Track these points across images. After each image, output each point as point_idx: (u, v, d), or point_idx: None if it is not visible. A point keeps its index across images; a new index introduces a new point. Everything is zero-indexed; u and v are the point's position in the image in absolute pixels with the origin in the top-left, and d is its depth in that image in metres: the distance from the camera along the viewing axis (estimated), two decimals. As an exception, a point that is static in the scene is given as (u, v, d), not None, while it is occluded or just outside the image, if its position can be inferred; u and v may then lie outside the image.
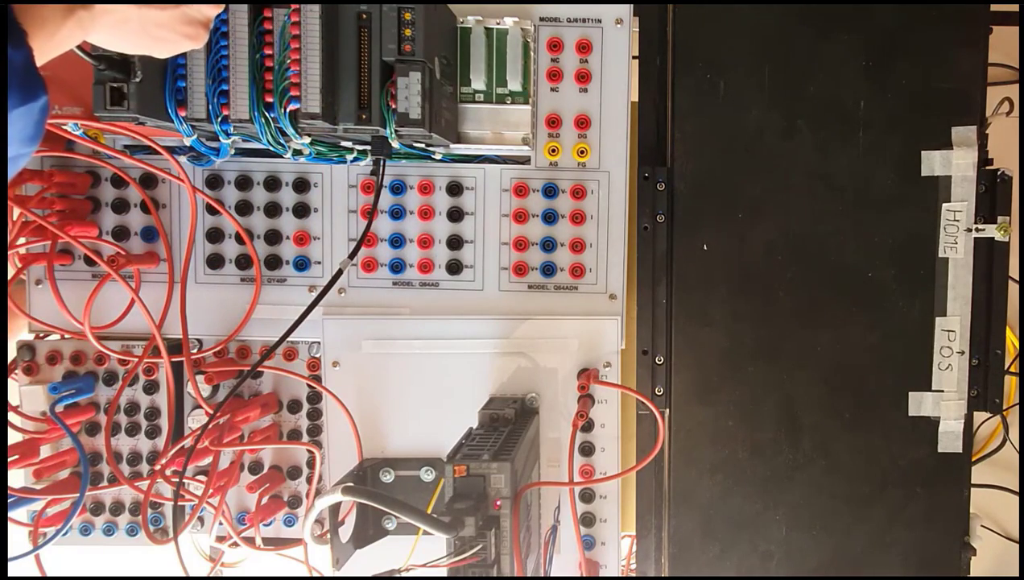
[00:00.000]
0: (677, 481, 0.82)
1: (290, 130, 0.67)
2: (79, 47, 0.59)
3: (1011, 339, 1.12)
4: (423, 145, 0.74)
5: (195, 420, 0.81)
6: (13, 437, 0.79)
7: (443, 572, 0.59)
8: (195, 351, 0.81)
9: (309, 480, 0.84)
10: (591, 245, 0.80)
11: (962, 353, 0.79)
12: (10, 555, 0.74)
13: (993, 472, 1.10)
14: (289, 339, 0.75)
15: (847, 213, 0.79)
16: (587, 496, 0.81)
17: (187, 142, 0.71)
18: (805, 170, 0.79)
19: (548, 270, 0.80)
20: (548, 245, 0.80)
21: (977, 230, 0.78)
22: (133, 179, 0.80)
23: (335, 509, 0.71)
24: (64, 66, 0.55)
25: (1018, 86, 1.04)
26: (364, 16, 0.65)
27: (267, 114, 0.67)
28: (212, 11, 0.55)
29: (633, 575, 0.90)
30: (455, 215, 0.80)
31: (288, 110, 0.66)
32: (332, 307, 0.80)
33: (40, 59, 0.44)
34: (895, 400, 0.80)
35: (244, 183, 0.80)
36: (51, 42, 0.45)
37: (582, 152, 0.79)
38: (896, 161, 0.78)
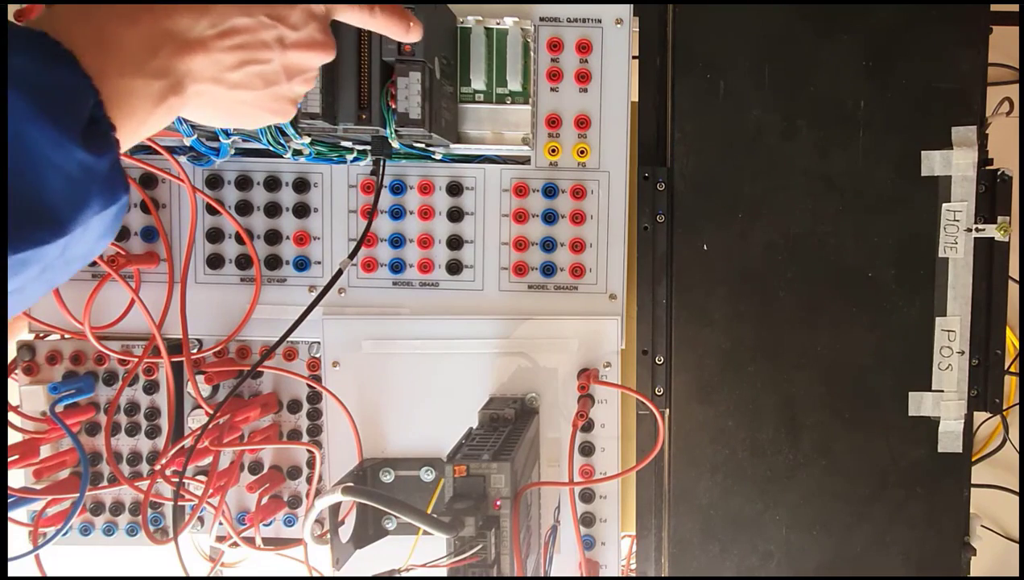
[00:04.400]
0: (677, 481, 0.82)
1: (290, 130, 0.67)
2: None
3: (1011, 339, 1.12)
4: (423, 145, 0.74)
5: (195, 420, 0.81)
6: (13, 437, 0.79)
7: (443, 572, 0.59)
8: (195, 351, 0.81)
9: (309, 480, 0.84)
10: (591, 245, 0.80)
11: (962, 353, 0.79)
12: (10, 555, 0.74)
13: (993, 472, 1.10)
14: (289, 339, 0.75)
15: (847, 213, 0.79)
16: (587, 496, 0.81)
17: (187, 142, 0.71)
18: (805, 170, 0.79)
19: (548, 270, 0.80)
20: (548, 245, 0.80)
21: (977, 230, 0.78)
22: (133, 179, 0.80)
23: (335, 509, 0.71)
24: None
25: (1018, 86, 1.04)
26: (364, 16, 0.64)
27: (267, 114, 0.67)
28: (303, 89, 0.53)
29: (633, 575, 0.90)
30: (455, 215, 0.80)
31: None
32: (332, 307, 0.81)
33: (124, 148, 0.41)
34: (895, 400, 0.80)
35: (244, 183, 0.80)
36: (139, 132, 0.43)
37: (582, 152, 0.79)
38: (896, 161, 0.78)
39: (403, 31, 0.57)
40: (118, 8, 0.41)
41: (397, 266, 0.81)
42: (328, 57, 0.53)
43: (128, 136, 0.42)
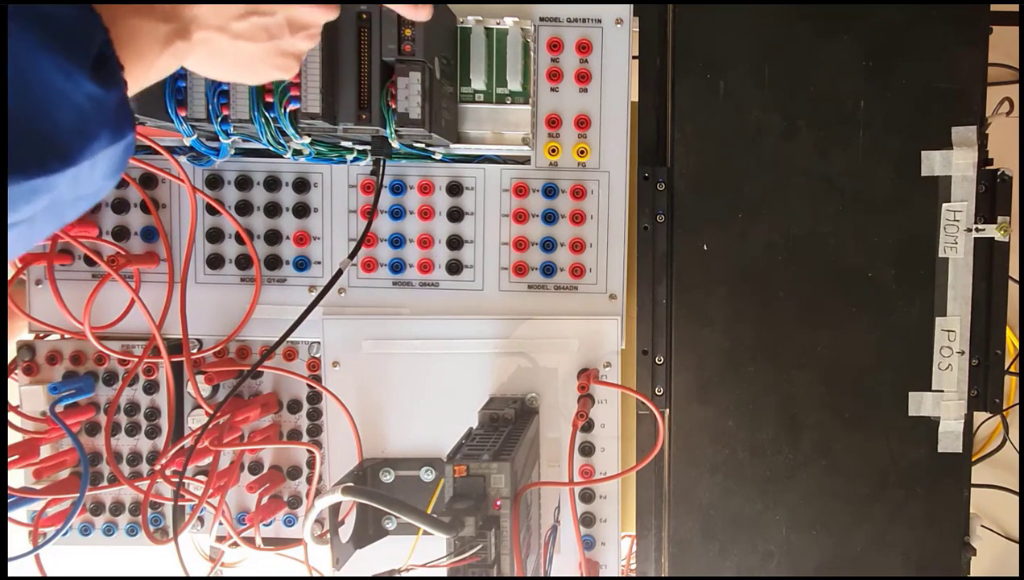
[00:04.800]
0: (677, 481, 0.82)
1: (290, 130, 0.67)
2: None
3: (1011, 339, 1.12)
4: (423, 145, 0.74)
5: (195, 420, 0.81)
6: (13, 437, 0.79)
7: (443, 572, 0.59)
8: (195, 351, 0.81)
9: (309, 480, 0.84)
10: (591, 245, 0.80)
11: (962, 353, 0.79)
12: (10, 555, 0.74)
13: (993, 472, 1.10)
14: (289, 339, 0.75)
15: (847, 213, 0.79)
16: (587, 496, 0.81)
17: (187, 142, 0.71)
18: (805, 170, 0.79)
19: (548, 270, 0.80)
20: (548, 245, 0.80)
21: (977, 230, 0.78)
22: (133, 179, 0.80)
23: (335, 509, 0.71)
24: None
25: (1018, 86, 1.04)
26: (364, 16, 0.65)
27: (267, 114, 0.67)
28: (306, 45, 0.54)
29: (633, 575, 0.90)
30: (455, 215, 0.80)
31: (288, 110, 0.66)
32: (332, 307, 0.80)
33: (132, 91, 0.42)
34: (895, 400, 0.80)
35: (244, 183, 0.80)
36: (147, 75, 0.44)
37: (582, 152, 0.79)
38: (896, 161, 0.78)
39: (411, 9, 0.58)
40: None
41: (397, 266, 0.81)
42: (332, 15, 0.54)
43: (136, 78, 0.43)
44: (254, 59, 0.51)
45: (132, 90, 0.42)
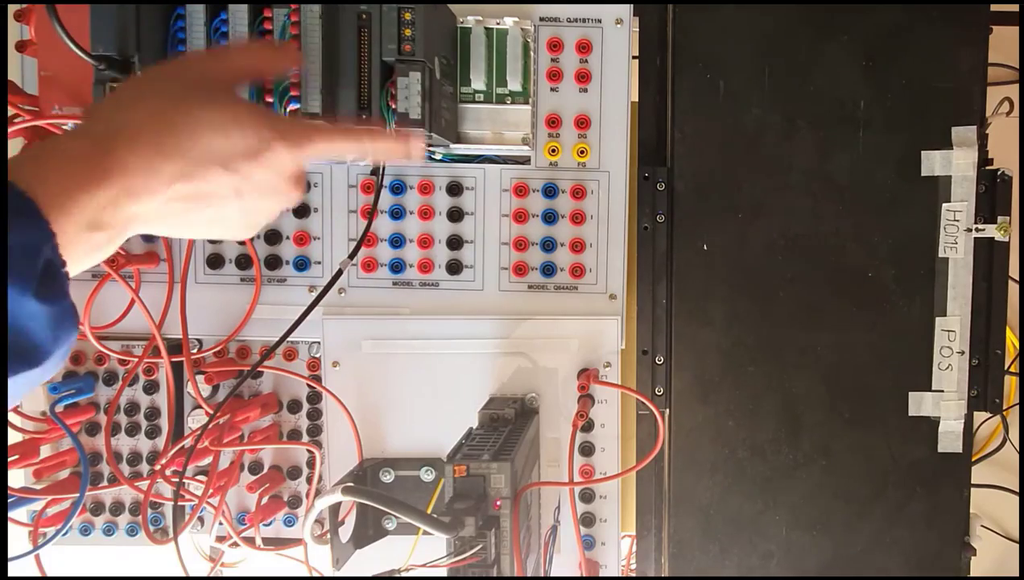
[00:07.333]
0: (677, 481, 0.82)
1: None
2: (77, 45, 0.59)
3: (1011, 339, 1.12)
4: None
5: (195, 420, 0.81)
6: (13, 437, 0.79)
7: (443, 572, 0.59)
8: (195, 351, 0.81)
9: (309, 480, 0.84)
10: (591, 245, 0.80)
11: (962, 353, 0.79)
12: (10, 555, 0.74)
13: (993, 472, 1.10)
14: (289, 339, 0.75)
15: (847, 213, 0.79)
16: (587, 496, 0.81)
17: (187, 142, 0.70)
18: (805, 170, 0.79)
19: (548, 270, 0.80)
20: (548, 245, 0.80)
21: (977, 230, 0.78)
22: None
23: (335, 509, 0.71)
24: (64, 66, 0.55)
25: (1018, 86, 1.04)
26: (364, 16, 0.65)
27: (267, 114, 0.67)
28: (265, 219, 0.53)
29: (633, 575, 0.90)
30: (455, 215, 0.80)
31: (288, 110, 0.66)
32: (332, 307, 0.80)
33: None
34: (895, 400, 0.80)
35: (244, 183, 0.80)
36: (78, 269, 0.44)
37: (582, 152, 0.79)
38: (896, 161, 0.78)
39: (404, 156, 0.58)
40: (91, 164, 0.42)
41: (397, 266, 0.81)
42: (291, 203, 0.54)
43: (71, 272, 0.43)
44: (202, 230, 0.51)
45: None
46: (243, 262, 0.81)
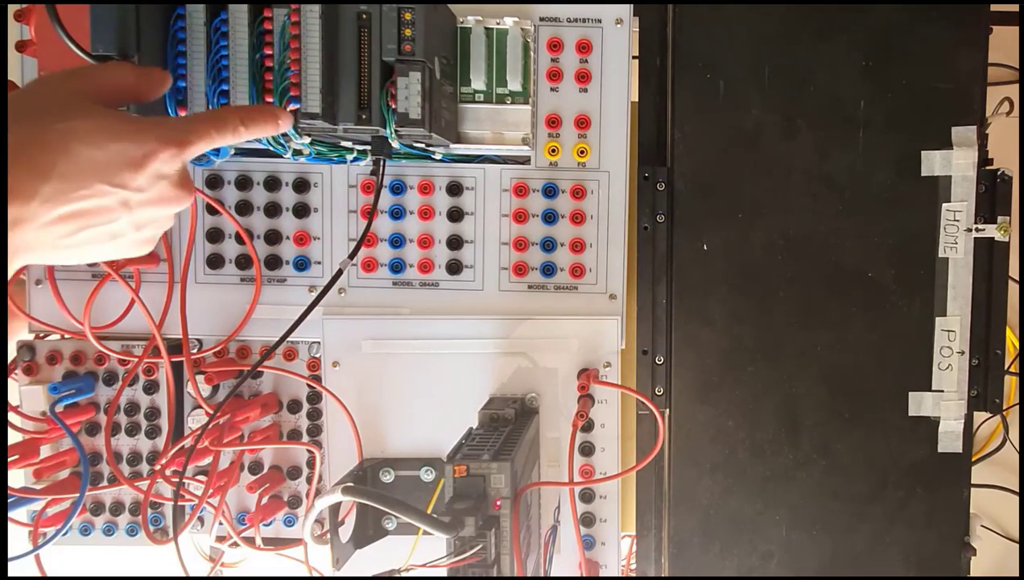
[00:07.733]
0: (677, 481, 0.82)
1: (290, 130, 0.67)
2: (77, 45, 0.59)
3: (1011, 339, 1.12)
4: (423, 145, 0.74)
5: (195, 420, 0.81)
6: (13, 437, 0.79)
7: (443, 572, 0.59)
8: (195, 351, 0.81)
9: (309, 480, 0.84)
10: (591, 245, 0.80)
11: (962, 353, 0.79)
12: (10, 555, 0.74)
13: (993, 472, 1.10)
14: (289, 339, 0.75)
15: (847, 213, 0.79)
16: (587, 496, 0.81)
17: (187, 142, 0.70)
18: (805, 170, 0.79)
19: (548, 270, 0.80)
20: (548, 245, 0.80)
21: (977, 230, 0.78)
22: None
23: (335, 509, 0.71)
24: (64, 66, 0.55)
25: (1018, 86, 1.04)
26: (364, 16, 0.65)
27: (267, 114, 0.67)
28: (158, 231, 0.53)
29: (633, 575, 0.90)
30: (455, 215, 0.80)
31: (288, 110, 0.65)
32: (332, 307, 0.80)
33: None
34: (895, 400, 0.80)
35: (244, 183, 0.80)
36: None
37: (582, 152, 0.79)
38: (896, 161, 0.78)
39: (274, 127, 0.59)
40: None
41: (397, 266, 0.81)
42: (182, 207, 0.53)
43: None
44: (95, 251, 0.50)
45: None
46: (243, 262, 0.81)
